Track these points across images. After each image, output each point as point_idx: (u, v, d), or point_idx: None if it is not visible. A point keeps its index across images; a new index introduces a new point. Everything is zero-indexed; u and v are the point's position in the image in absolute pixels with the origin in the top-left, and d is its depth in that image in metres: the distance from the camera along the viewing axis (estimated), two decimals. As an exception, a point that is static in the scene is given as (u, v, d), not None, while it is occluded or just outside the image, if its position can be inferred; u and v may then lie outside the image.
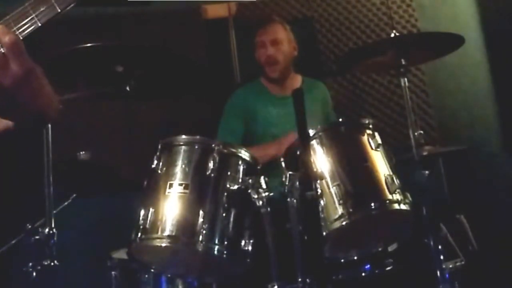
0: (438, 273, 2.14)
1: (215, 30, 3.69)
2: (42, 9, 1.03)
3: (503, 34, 3.71)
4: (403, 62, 2.38)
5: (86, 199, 2.66)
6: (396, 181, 2.00)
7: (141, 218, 1.90)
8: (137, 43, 2.73)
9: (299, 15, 3.81)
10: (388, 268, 2.14)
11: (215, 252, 1.87)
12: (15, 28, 1.02)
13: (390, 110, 3.72)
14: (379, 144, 2.07)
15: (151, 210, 1.89)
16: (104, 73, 2.24)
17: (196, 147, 2.01)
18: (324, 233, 1.93)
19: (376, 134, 2.10)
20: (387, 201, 1.97)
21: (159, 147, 2.04)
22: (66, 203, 2.47)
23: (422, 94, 3.76)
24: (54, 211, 2.12)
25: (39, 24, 1.03)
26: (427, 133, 3.41)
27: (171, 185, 1.92)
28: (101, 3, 3.29)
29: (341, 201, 1.93)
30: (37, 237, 2.03)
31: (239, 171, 2.00)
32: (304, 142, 1.84)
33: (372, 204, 1.96)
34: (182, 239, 1.86)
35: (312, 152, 1.99)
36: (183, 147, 2.01)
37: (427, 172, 2.25)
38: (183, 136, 2.03)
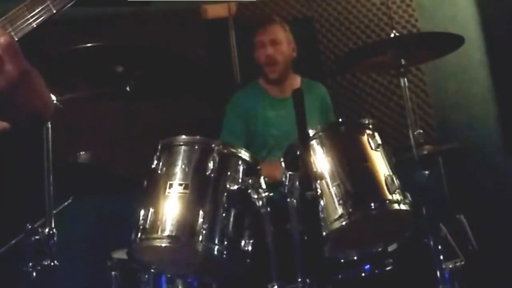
0: (438, 273, 2.14)
1: (215, 30, 3.69)
2: (37, 10, 1.03)
3: (503, 34, 3.71)
4: (403, 62, 2.38)
5: (86, 199, 2.67)
6: (396, 181, 2.00)
7: (141, 218, 1.90)
8: (137, 43, 2.73)
9: (299, 15, 3.81)
10: (388, 268, 2.14)
11: (215, 252, 1.87)
12: (10, 29, 1.02)
13: (390, 110, 3.72)
14: (379, 144, 2.07)
15: (151, 210, 1.89)
16: (104, 73, 2.24)
17: (196, 147, 2.01)
18: (324, 233, 1.93)
19: (376, 134, 2.10)
20: (387, 201, 1.97)
21: (159, 147, 2.04)
22: (66, 203, 2.48)
23: (422, 94, 3.76)
24: (54, 211, 2.12)
25: (34, 25, 1.03)
26: (427, 133, 3.42)
27: (171, 185, 1.92)
28: (101, 3, 3.29)
29: (341, 201, 1.93)
30: (37, 237, 2.03)
31: (239, 171, 2.00)
32: (304, 142, 1.84)
33: (372, 204, 1.96)
34: (182, 239, 1.86)
35: (312, 152, 1.99)
36: (183, 147, 2.01)
37: (427, 172, 2.25)
38: (183, 136, 2.04)
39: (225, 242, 1.88)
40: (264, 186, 1.90)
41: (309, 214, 1.90)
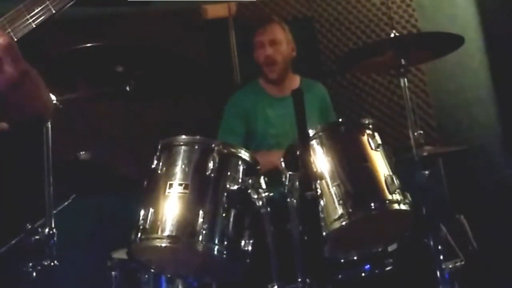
0: (438, 273, 2.14)
1: (215, 30, 3.69)
2: (37, 10, 1.03)
3: (503, 34, 3.71)
4: (403, 62, 2.38)
5: (86, 199, 2.66)
6: (396, 181, 2.00)
7: (141, 218, 1.90)
8: (137, 43, 2.73)
9: (299, 15, 3.81)
10: (388, 268, 2.14)
11: (215, 252, 1.87)
12: (9, 30, 1.01)
13: (390, 110, 3.72)
14: (379, 144, 2.07)
15: (151, 210, 1.89)
16: (104, 73, 2.24)
17: (196, 147, 2.01)
18: (324, 233, 1.93)
19: (376, 134, 2.10)
20: (387, 201, 1.97)
21: (159, 147, 2.04)
22: (66, 203, 2.47)
23: (422, 94, 3.76)
24: (54, 211, 2.12)
25: (34, 26, 1.03)
26: (427, 133, 3.41)
27: (171, 185, 1.92)
28: (101, 3, 3.29)
29: (341, 201, 1.93)
30: (37, 237, 2.03)
31: (239, 171, 2.00)
32: (304, 142, 1.84)
33: (372, 204, 1.96)
34: (182, 239, 1.86)
35: (312, 152, 1.99)
36: (183, 147, 2.01)
37: (427, 172, 2.25)
38: (183, 136, 2.04)
39: (225, 242, 1.88)
40: (264, 186, 1.90)
41: (309, 214, 1.90)
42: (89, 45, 2.10)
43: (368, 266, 2.15)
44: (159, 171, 1.98)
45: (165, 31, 3.49)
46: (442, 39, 2.52)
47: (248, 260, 1.91)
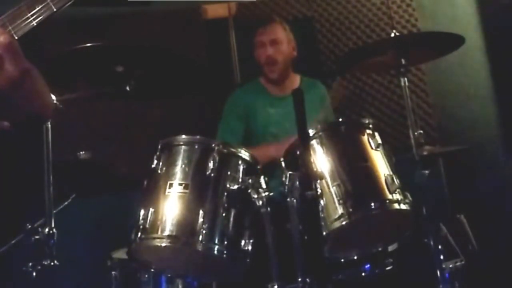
0: (438, 273, 2.14)
1: (215, 30, 3.69)
2: (37, 8, 1.03)
3: (503, 34, 3.71)
4: (403, 62, 2.38)
5: (86, 199, 2.67)
6: (396, 181, 2.00)
7: (141, 218, 1.90)
8: (137, 43, 2.73)
9: (299, 15, 3.81)
10: (388, 268, 2.14)
11: (215, 252, 1.87)
12: (10, 28, 1.01)
13: (390, 110, 3.72)
14: (379, 144, 2.06)
15: (151, 210, 1.89)
16: (104, 73, 2.24)
17: (196, 147, 2.01)
18: (324, 233, 1.93)
19: (376, 134, 2.10)
20: (387, 201, 1.96)
21: (159, 147, 2.04)
22: (66, 203, 2.47)
23: (422, 94, 3.76)
24: (54, 211, 2.12)
25: (35, 24, 1.02)
26: (427, 133, 3.41)
27: (171, 185, 1.92)
28: (101, 3, 3.29)
29: (341, 201, 1.92)
30: (37, 237, 2.03)
31: (239, 171, 2.00)
32: (304, 142, 1.84)
33: (372, 204, 1.95)
34: (182, 239, 1.86)
35: (312, 152, 1.99)
36: (183, 147, 2.01)
37: (427, 172, 2.25)
38: (183, 136, 2.04)
39: (225, 242, 1.88)
40: (264, 186, 1.90)
41: (309, 214, 1.90)
42: (89, 45, 2.10)
43: (368, 266, 2.15)
44: (159, 171, 1.98)
45: (165, 31, 3.49)
46: (442, 38, 2.51)
47: (248, 260, 1.91)
